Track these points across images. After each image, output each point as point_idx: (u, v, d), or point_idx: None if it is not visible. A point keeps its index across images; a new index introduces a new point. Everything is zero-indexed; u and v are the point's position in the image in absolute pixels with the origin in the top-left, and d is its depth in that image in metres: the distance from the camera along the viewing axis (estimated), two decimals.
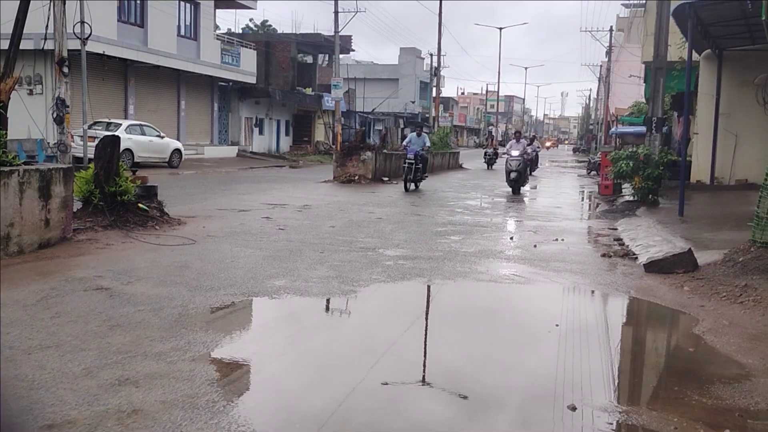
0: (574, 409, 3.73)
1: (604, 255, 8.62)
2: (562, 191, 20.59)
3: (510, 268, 7.61)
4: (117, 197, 9.20)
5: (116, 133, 20.88)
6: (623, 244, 9.54)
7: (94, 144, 9.75)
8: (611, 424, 3.57)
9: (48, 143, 20.70)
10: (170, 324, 5.06)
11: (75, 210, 8.97)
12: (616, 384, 4.23)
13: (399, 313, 5.60)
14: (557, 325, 5.39)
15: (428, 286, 6.76)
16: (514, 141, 19.45)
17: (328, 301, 6.00)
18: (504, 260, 8.11)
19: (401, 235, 9.81)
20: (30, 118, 18.71)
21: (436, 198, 16.29)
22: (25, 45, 11.10)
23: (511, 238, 9.78)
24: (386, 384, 4.04)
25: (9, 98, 7.72)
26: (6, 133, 7.53)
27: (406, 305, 5.98)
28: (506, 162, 18.44)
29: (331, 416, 3.57)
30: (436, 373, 4.33)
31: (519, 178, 18.04)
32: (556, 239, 9.86)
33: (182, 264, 7.15)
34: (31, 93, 24.42)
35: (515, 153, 18.12)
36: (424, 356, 4.70)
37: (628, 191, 16.29)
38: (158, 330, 4.88)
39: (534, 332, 5.27)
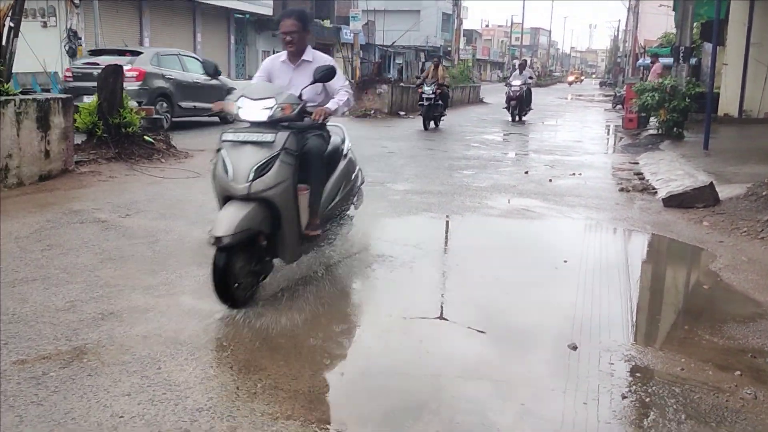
0: (575, 348, 3.53)
1: (622, 189, 8.30)
2: (584, 125, 20.03)
3: (522, 203, 7.34)
4: (121, 129, 9.00)
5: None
6: (643, 179, 9.20)
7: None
8: (612, 364, 3.36)
9: (62, 76, 20.51)
10: (163, 257, 4.92)
11: (79, 142, 8.82)
12: (622, 323, 4.01)
13: (401, 248, 5.40)
14: (565, 262, 5.15)
15: (434, 221, 6.54)
16: (517, 72, 20.33)
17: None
18: (516, 195, 7.83)
19: (412, 169, 9.54)
20: (44, 51, 18.41)
21: (452, 132, 15.89)
22: None
23: (526, 173, 9.47)
24: (392, 317, 3.87)
25: (3, 25, 7.45)
26: (4, 62, 7.29)
27: (410, 240, 5.76)
28: (507, 91, 19.67)
29: (328, 367, 3.41)
30: (430, 311, 4.15)
31: (517, 105, 19.24)
32: (573, 173, 9.53)
33: (184, 197, 6.98)
34: (44, 26, 24.03)
35: (516, 83, 19.26)
36: (420, 294, 4.51)
37: (652, 124, 15.76)
38: (150, 263, 4.74)
39: (540, 269, 5.04)
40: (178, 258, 4.93)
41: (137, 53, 13.92)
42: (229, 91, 8.15)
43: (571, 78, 80.00)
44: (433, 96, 16.04)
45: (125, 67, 13.72)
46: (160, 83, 13.38)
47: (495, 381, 3.19)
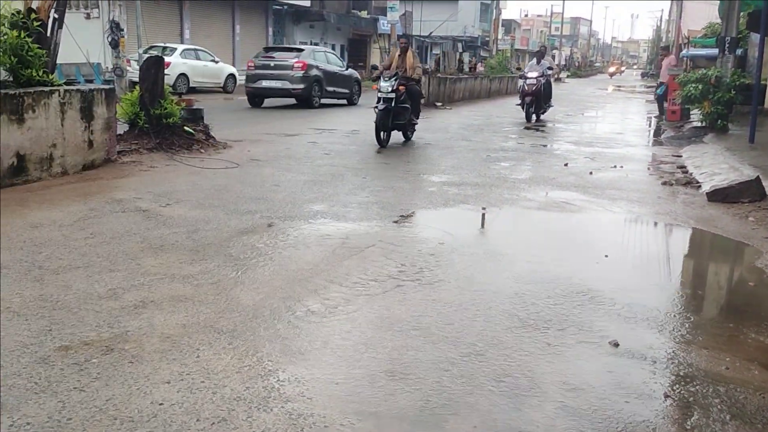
0: (616, 345, 3.47)
1: (665, 183, 8.14)
2: (625, 117, 19.70)
3: (561, 196, 7.24)
4: (162, 120, 9.11)
5: (171, 58, 21.11)
6: (687, 172, 9.00)
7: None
8: (654, 362, 3.29)
9: (106, 68, 20.87)
10: (202, 246, 4.97)
11: (121, 133, 8.96)
12: (665, 319, 3.93)
13: (438, 241, 5.37)
14: (606, 256, 5.07)
15: (470, 213, 6.49)
16: (534, 62, 17.02)
17: (365, 225, 5.80)
18: (556, 187, 7.72)
19: (449, 161, 9.48)
20: (87, 42, 18.75)
21: (489, 124, 15.76)
22: None
23: (566, 165, 9.34)
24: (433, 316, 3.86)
25: (49, 17, 7.59)
26: (47, 53, 7.43)
27: (446, 233, 5.73)
28: (521, 85, 16.53)
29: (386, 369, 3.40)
30: (468, 303, 4.11)
31: (534, 102, 16.12)
32: (615, 166, 9.37)
33: (222, 187, 7.05)
34: (88, 17, 24.47)
35: (533, 75, 16.04)
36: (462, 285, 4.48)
37: (696, 116, 15.40)
38: (189, 252, 4.79)
39: (580, 263, 4.96)
40: (217, 247, 4.98)
41: (300, 50, 19.18)
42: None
43: (612, 69, 74.83)
44: (393, 95, 10.28)
45: (293, 60, 17.69)
46: (315, 72, 18.03)
47: (530, 380, 3.14)
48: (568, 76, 58.59)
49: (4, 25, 6.95)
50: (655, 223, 6.34)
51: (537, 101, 16.27)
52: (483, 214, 6.46)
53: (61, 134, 7.05)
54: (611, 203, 6.94)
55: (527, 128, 15.02)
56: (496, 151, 10.63)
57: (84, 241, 4.93)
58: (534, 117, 16.44)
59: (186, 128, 9.47)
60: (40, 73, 7.05)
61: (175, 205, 6.21)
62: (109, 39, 19.60)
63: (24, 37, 6.90)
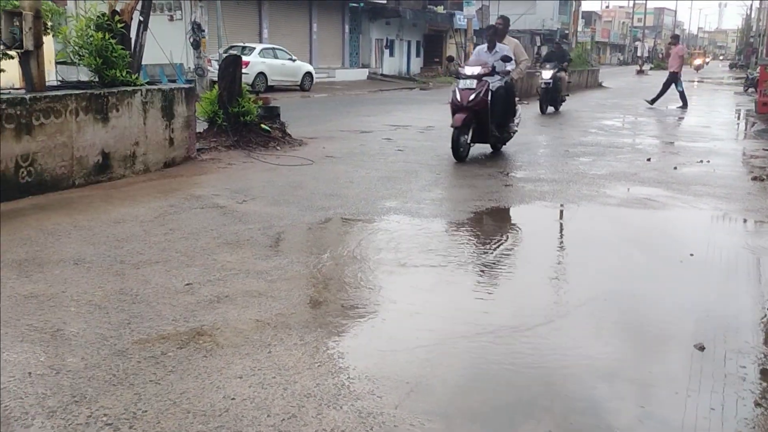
0: (702, 348, 3.28)
1: (755, 178, 7.71)
2: (712, 109, 18.83)
3: (643, 192, 6.96)
4: (240, 118, 9.30)
5: (249, 57, 21.58)
6: None
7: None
8: (744, 367, 3.09)
9: (188, 68, 21.53)
10: (276, 242, 5.02)
11: (200, 131, 9.20)
12: (754, 323, 3.69)
13: (512, 240, 5.24)
14: (692, 255, 4.82)
15: (547, 210, 6.31)
16: (484, 48, 9.31)
17: (438, 222, 5.73)
18: (637, 183, 7.43)
19: (525, 156, 9.28)
20: (170, 43, 19.37)
21: (568, 118, 15.37)
22: None
23: (649, 160, 8.98)
24: (507, 327, 3.76)
25: (131, 18, 7.86)
26: (131, 54, 7.69)
27: (521, 231, 5.60)
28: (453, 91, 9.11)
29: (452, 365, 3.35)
30: (554, 304, 3.99)
31: (466, 126, 8.52)
32: (701, 161, 8.95)
33: (297, 184, 7.12)
34: (171, 19, 25.31)
35: (470, 73, 8.63)
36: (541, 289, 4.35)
37: None
38: (264, 248, 4.85)
39: (664, 262, 4.74)
40: (291, 243, 5.02)
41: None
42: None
43: (697, 61, 57.55)
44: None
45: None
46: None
47: (615, 380, 3.00)
48: (651, 68, 56.57)
49: (90, 27, 7.22)
50: (745, 221, 6.00)
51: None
52: (561, 211, 6.27)
53: (143, 132, 7.29)
54: (696, 199, 6.61)
55: (607, 122, 14.56)
56: (575, 146, 10.34)
57: (163, 237, 5.06)
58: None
59: (263, 126, 9.63)
60: (124, 74, 7.29)
61: (251, 201, 6.31)
62: (191, 40, 20.21)
63: (108, 39, 7.15)
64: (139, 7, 8.51)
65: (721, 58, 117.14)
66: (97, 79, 7.29)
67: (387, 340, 3.38)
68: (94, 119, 6.71)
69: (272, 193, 6.68)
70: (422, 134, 11.69)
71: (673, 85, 18.20)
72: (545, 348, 3.31)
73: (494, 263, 4.65)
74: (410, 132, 11.95)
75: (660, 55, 75.70)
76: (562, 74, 16.58)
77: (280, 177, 7.47)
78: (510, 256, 4.82)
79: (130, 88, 7.15)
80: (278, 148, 9.37)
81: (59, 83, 7.97)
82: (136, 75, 7.60)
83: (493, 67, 8.58)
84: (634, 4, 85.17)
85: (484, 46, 9.23)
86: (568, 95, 17.18)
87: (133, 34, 8.34)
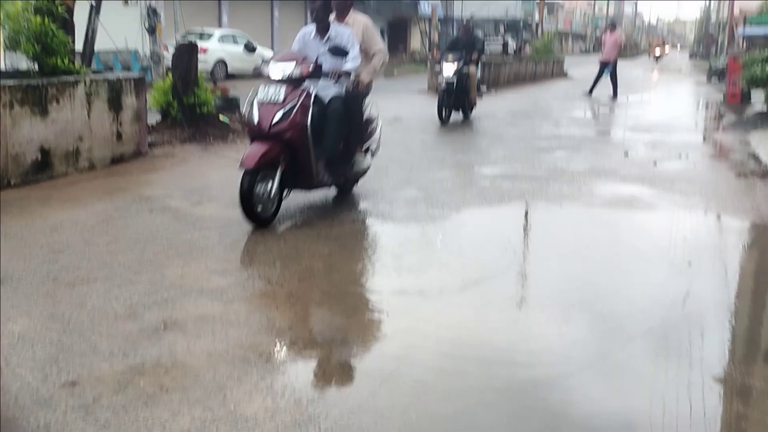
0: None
1: (739, 174, 7.40)
2: (680, 100, 18.69)
3: (627, 191, 6.58)
4: (196, 109, 8.69)
5: (208, 43, 20.76)
6: (760, 162, 8.22)
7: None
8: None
9: (144, 54, 20.62)
10: (234, 253, 4.49)
11: (153, 123, 8.56)
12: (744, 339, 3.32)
13: (495, 244, 4.80)
14: (690, 264, 4.43)
15: (528, 211, 5.89)
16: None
17: (412, 227, 5.25)
18: (619, 180, 7.06)
19: (499, 150, 8.85)
20: (125, 29, 18.48)
21: (538, 108, 15.01)
22: None
23: (626, 154, 8.63)
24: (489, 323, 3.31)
25: (74, 1, 7.17)
26: (73, 40, 7.03)
27: (503, 234, 5.16)
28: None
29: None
30: (539, 322, 3.55)
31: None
32: (679, 155, 8.63)
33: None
34: (126, 3, 24.29)
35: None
36: (524, 300, 3.91)
37: (759, 99, 14.45)
38: (220, 260, 4.31)
39: (661, 273, 4.34)
40: (251, 254, 4.50)
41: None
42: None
43: (657, 52, 55.38)
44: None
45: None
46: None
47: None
48: None
49: (27, 10, 6.54)
50: (741, 223, 5.65)
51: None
52: (532, 212, 5.86)
53: (87, 126, 6.65)
54: (684, 199, 6.26)
55: (576, 113, 14.25)
56: (549, 139, 9.96)
57: (105, 247, 4.49)
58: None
59: (221, 117, 9.03)
60: (66, 62, 6.65)
61: (207, 203, 5.75)
62: (146, 25, 19.33)
63: (49, 24, 6.48)
64: None
65: (678, 47, 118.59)
66: (36, 68, 6.63)
67: (365, 378, 2.90)
68: (31, 112, 6.06)
69: (232, 192, 6.08)
70: (390, 126, 11.14)
71: (605, 71, 17.55)
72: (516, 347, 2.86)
73: (478, 271, 4.19)
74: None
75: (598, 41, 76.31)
76: (471, 69, 11.62)
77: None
78: (489, 264, 4.36)
79: (72, 78, 6.50)
80: (238, 140, 8.77)
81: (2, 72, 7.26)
82: (82, 63, 6.94)
83: (319, 66, 5.34)
84: None
85: (312, 28, 5.71)
86: (482, 96, 12.99)
87: (79, 19, 7.66)
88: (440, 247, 4.85)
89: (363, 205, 5.80)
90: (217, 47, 21.35)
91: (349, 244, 4.85)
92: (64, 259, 4.20)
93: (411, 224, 5.30)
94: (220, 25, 26.30)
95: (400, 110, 13.52)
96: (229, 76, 21.17)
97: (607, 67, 17.51)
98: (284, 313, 3.55)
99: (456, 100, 11.47)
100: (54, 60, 6.57)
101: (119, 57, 18.98)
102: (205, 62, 18.68)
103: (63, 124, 6.36)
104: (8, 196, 5.60)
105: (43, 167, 6.20)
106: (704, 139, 10.82)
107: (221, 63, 21.38)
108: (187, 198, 5.88)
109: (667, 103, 17.74)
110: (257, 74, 5.56)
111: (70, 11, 7.03)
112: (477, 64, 12.29)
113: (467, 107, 11.85)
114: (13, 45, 6.63)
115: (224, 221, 5.16)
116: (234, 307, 3.58)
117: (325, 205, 5.79)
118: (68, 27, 6.95)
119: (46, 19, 6.47)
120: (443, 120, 11.23)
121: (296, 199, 5.64)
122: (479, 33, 26.27)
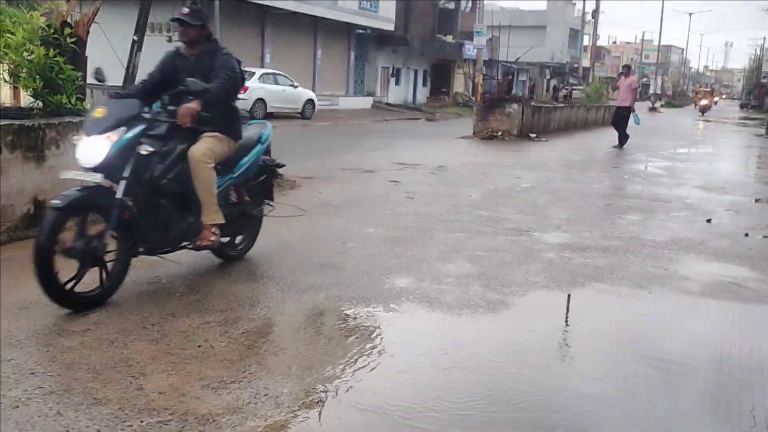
0: None
1: None
2: (747, 155, 17.39)
3: (723, 272, 5.44)
4: None
5: (249, 82, 20.20)
6: None
7: None
8: None
9: None
10: (239, 354, 3.49)
11: None
12: None
13: (576, 345, 3.74)
14: None
15: (611, 299, 4.78)
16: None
17: (466, 317, 4.20)
18: (711, 256, 5.92)
19: (560, 211, 7.76)
20: None
21: (594, 160, 13.91)
22: None
23: (709, 221, 7.47)
24: None
25: (88, 32, 6.39)
26: (84, 77, 6.24)
27: (583, 328, 4.09)
28: None
29: None
30: None
31: None
32: None
33: (282, 245, 5.63)
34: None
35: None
36: None
37: None
38: (217, 367, 3.30)
39: None
40: (258, 357, 3.49)
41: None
42: None
43: (703, 101, 46.01)
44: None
45: None
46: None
47: None
48: (662, 106, 55.49)
49: (32, 41, 5.76)
50: None
51: None
52: (615, 301, 4.75)
53: None
54: None
55: (637, 167, 13.10)
56: (614, 198, 8.86)
57: (79, 340, 3.53)
58: None
59: None
60: (73, 100, 5.84)
61: (216, 274, 4.80)
62: None
63: (54, 57, 5.70)
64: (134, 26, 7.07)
65: (724, 97, 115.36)
66: (40, 106, 5.84)
67: None
68: (23, 158, 5.24)
69: (248, 260, 5.18)
70: (434, 176, 10.21)
71: (634, 118, 16.37)
72: None
73: (557, 392, 3.10)
74: (420, 173, 10.45)
75: (665, 93, 74.61)
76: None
77: (263, 234, 5.88)
78: (574, 380, 3.28)
79: (76, 119, 5.67)
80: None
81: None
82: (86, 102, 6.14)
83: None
84: (642, 40, 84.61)
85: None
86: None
87: (95, 54, 6.91)
88: (499, 360, 3.78)
89: (404, 281, 4.78)
90: (257, 86, 20.84)
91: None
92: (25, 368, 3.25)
93: (464, 315, 4.24)
94: (263, 65, 25.92)
95: (443, 156, 12.57)
96: (269, 115, 20.60)
97: (634, 114, 16.33)
98: None
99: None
100: (59, 98, 5.78)
101: None
102: (244, 100, 18.12)
103: (62, 172, 5.50)
104: None
105: (35, 221, 5.33)
106: None
107: (260, 101, 20.85)
108: (193, 268, 4.93)
109: (733, 157, 16.47)
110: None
111: (82, 44, 6.25)
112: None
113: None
114: (14, 79, 5.87)
115: (233, 301, 4.19)
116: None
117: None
118: (78, 61, 6.16)
119: (51, 51, 5.69)
120: None
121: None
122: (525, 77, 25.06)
